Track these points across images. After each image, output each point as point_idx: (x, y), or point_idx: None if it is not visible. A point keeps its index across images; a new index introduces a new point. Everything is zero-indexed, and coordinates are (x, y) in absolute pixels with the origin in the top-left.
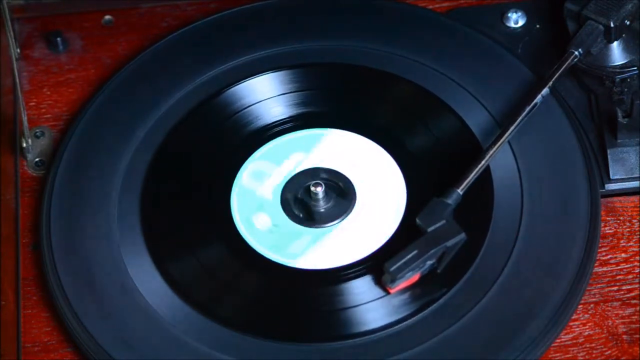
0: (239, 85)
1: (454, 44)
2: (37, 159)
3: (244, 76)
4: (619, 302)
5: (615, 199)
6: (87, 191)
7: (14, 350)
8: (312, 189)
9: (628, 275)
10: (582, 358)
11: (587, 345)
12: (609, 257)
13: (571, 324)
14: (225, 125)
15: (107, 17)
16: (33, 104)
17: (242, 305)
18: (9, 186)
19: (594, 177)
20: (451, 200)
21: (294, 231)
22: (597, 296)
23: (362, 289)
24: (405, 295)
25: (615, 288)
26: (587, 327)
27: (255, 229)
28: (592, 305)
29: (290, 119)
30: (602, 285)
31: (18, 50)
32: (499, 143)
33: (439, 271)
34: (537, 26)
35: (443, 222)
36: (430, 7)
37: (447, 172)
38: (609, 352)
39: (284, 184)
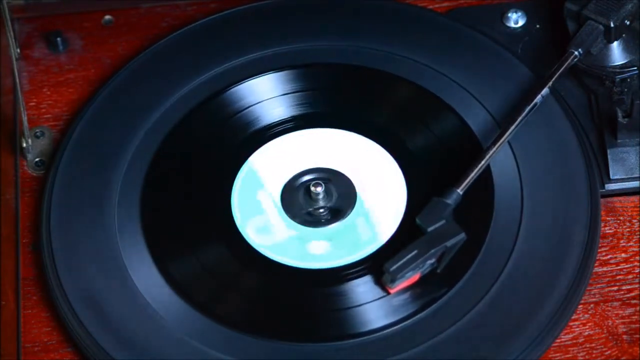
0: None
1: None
2: (37, 159)
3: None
4: (619, 302)
5: (615, 199)
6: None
7: (14, 350)
8: (312, 188)
9: (628, 275)
10: (582, 358)
11: (587, 345)
12: (609, 257)
13: (571, 324)
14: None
15: (107, 17)
16: (33, 104)
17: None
18: (9, 186)
19: (594, 177)
20: (451, 200)
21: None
22: (597, 296)
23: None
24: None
25: (615, 288)
26: (587, 327)
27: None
28: (592, 305)
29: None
30: (602, 285)
31: (18, 50)
32: (499, 143)
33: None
34: (537, 26)
35: (443, 222)
36: (430, 7)
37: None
38: (609, 352)
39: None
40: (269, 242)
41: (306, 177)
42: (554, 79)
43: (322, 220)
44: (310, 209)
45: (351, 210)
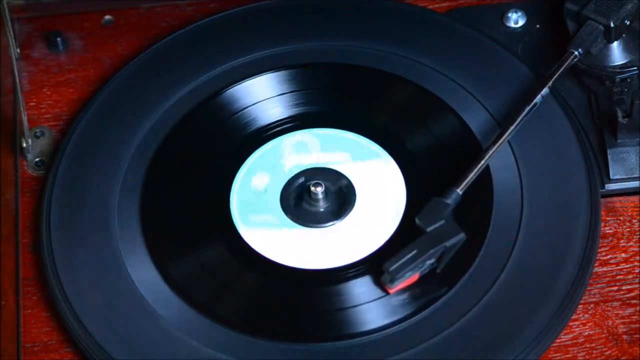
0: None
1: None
2: (37, 159)
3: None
4: (619, 302)
5: (615, 199)
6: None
7: (14, 350)
8: (312, 189)
9: (628, 275)
10: (582, 358)
11: (587, 345)
12: (609, 257)
13: (571, 324)
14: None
15: (107, 17)
16: (33, 104)
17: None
18: (9, 186)
19: (594, 177)
20: (451, 200)
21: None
22: (597, 296)
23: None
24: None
25: (615, 288)
26: (587, 327)
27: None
28: (592, 305)
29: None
30: (602, 285)
31: (18, 50)
32: (498, 143)
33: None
34: (537, 26)
35: (442, 222)
36: (430, 7)
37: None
38: (609, 352)
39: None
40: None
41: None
42: (554, 79)
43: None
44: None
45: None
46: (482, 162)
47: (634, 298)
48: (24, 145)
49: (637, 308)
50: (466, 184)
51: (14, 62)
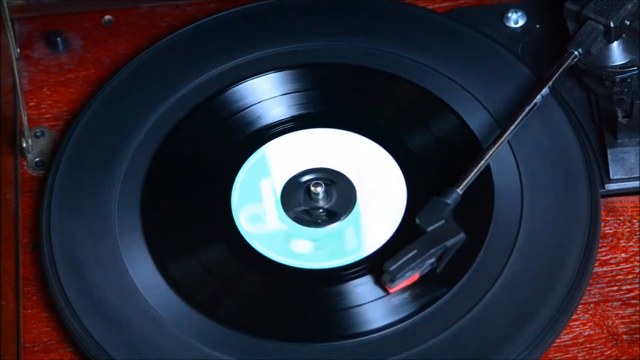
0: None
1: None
2: (37, 159)
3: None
4: (619, 302)
5: (615, 199)
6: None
7: (14, 350)
8: (312, 188)
9: (628, 275)
10: (582, 358)
11: (587, 345)
12: (609, 257)
13: (571, 324)
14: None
15: (107, 17)
16: (33, 104)
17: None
18: (9, 186)
19: (594, 177)
20: (451, 200)
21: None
22: (597, 296)
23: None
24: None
25: (615, 288)
26: (587, 327)
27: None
28: (592, 305)
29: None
30: (602, 285)
31: (18, 50)
32: (498, 143)
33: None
34: (537, 26)
35: (442, 222)
36: (430, 7)
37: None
38: (609, 352)
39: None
40: (256, 231)
41: (309, 176)
42: (554, 79)
43: (315, 221)
44: (307, 208)
45: (345, 217)
46: (482, 162)
47: (634, 298)
48: (24, 145)
49: (637, 308)
50: (466, 184)
51: (14, 62)
